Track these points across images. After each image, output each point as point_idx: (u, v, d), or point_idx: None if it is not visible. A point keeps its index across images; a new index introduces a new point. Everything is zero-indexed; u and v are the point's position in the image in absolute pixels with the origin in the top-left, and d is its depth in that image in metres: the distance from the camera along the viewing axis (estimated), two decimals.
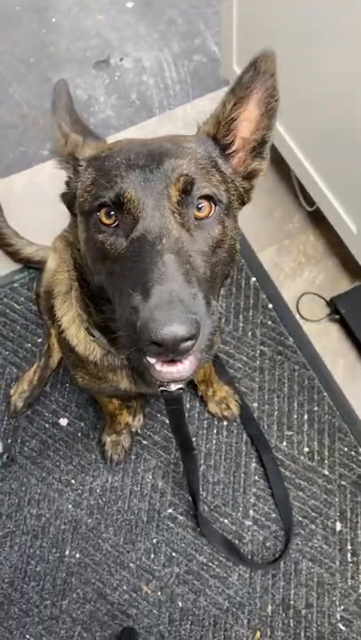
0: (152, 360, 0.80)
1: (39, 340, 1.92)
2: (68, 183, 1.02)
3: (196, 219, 0.86)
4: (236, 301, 1.94)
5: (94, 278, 0.94)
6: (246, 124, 0.94)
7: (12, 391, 1.82)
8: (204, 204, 0.86)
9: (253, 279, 1.98)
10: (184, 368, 0.80)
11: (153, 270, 0.75)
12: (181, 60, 2.53)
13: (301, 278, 2.01)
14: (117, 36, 2.63)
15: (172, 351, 0.73)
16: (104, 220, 0.86)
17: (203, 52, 2.55)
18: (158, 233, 0.80)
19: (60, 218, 1.15)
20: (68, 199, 1.00)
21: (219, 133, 0.95)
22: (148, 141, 0.94)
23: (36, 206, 2.11)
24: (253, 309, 1.94)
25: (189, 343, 0.72)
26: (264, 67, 0.87)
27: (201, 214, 0.86)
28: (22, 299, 1.98)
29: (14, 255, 1.98)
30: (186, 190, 0.84)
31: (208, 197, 0.87)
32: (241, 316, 1.92)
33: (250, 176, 0.98)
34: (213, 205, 0.87)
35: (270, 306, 1.94)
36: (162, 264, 0.76)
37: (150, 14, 2.68)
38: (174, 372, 0.80)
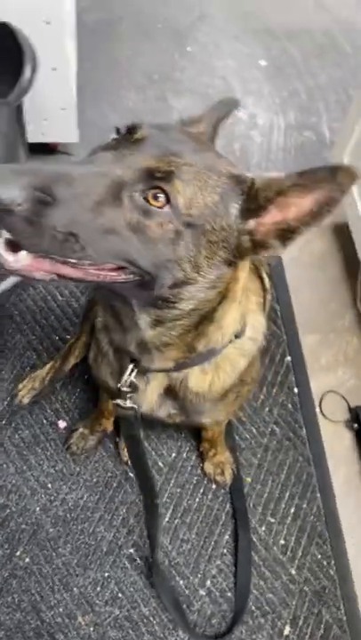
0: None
1: (67, 337, 1.91)
2: None
3: (145, 199, 0.80)
4: (265, 372, 1.94)
5: None
6: (293, 208, 0.86)
7: (20, 385, 1.81)
8: (161, 196, 0.80)
9: (289, 358, 1.99)
10: (15, 259, 0.78)
11: (60, 168, 0.77)
12: (292, 131, 2.59)
13: (334, 375, 2.01)
14: (241, 87, 2.70)
15: None
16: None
17: (314, 131, 2.61)
18: (100, 168, 0.79)
19: None
20: None
21: (261, 193, 0.87)
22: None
23: None
24: (279, 387, 1.93)
25: None
26: (341, 180, 0.81)
27: (153, 201, 0.80)
28: (67, 292, 1.98)
29: None
30: (150, 173, 0.80)
31: (165, 192, 0.80)
32: (265, 389, 1.92)
33: (259, 244, 0.90)
34: (167, 204, 0.80)
35: (296, 390, 1.94)
36: (70, 174, 0.75)
37: (279, 78, 2.76)
38: (6, 259, 0.78)
